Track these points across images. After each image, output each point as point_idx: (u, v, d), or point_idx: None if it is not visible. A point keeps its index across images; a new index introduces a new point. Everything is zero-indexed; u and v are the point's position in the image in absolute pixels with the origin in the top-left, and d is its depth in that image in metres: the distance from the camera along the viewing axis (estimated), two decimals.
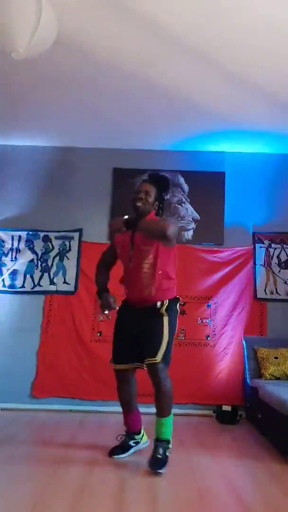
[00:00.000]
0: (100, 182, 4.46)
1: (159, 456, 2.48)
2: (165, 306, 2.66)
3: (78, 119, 3.97)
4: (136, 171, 4.30)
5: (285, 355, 3.79)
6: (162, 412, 2.58)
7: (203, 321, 4.19)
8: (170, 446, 2.56)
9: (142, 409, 2.87)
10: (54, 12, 2.30)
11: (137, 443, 2.78)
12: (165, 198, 2.84)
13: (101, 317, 4.17)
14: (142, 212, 2.69)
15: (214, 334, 4.16)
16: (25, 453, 2.80)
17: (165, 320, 2.64)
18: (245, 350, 3.98)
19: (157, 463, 2.45)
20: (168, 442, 2.56)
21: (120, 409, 3.91)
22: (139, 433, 2.80)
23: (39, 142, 4.47)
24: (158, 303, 2.65)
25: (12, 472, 2.46)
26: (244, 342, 4.03)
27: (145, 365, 2.60)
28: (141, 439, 2.81)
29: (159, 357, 2.54)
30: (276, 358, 3.77)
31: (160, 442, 2.54)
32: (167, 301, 2.67)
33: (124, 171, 4.40)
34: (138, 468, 2.56)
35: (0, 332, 4.18)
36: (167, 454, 2.52)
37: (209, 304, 4.21)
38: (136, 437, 2.79)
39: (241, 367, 4.03)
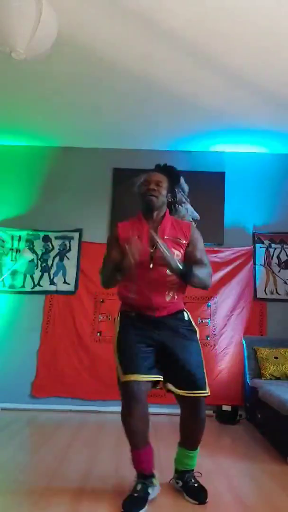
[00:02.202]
0: (100, 182, 4.46)
1: (196, 484, 2.18)
2: (191, 320, 2.26)
3: (78, 119, 3.97)
4: (136, 171, 4.28)
5: (285, 355, 3.79)
6: (196, 445, 2.21)
7: (203, 321, 4.19)
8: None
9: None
10: (54, 12, 2.30)
11: (153, 488, 2.11)
12: (177, 192, 2.39)
13: (101, 317, 4.18)
14: (154, 208, 2.24)
15: (214, 334, 4.16)
16: (25, 453, 2.80)
17: (198, 338, 2.24)
18: (245, 350, 3.98)
19: (200, 491, 2.14)
20: (193, 471, 2.25)
21: (120, 408, 3.92)
22: (154, 475, 2.15)
23: (39, 142, 4.47)
24: (185, 315, 2.24)
25: (12, 471, 2.46)
26: (244, 342, 4.03)
27: (185, 395, 2.11)
28: (157, 483, 2.15)
29: (208, 389, 2.13)
30: (276, 358, 3.77)
31: (189, 472, 2.22)
32: (187, 312, 2.26)
33: (124, 171, 4.40)
34: None
35: (0, 332, 4.18)
36: (199, 481, 2.22)
37: (209, 304, 4.21)
38: (154, 481, 2.13)
39: (241, 367, 4.03)
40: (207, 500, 2.11)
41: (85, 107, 3.73)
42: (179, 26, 2.64)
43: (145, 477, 2.09)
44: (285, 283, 4.26)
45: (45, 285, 4.28)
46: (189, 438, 2.21)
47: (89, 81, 3.31)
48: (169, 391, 2.15)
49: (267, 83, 3.21)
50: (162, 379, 2.12)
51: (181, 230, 2.28)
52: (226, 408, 3.76)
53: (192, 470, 2.24)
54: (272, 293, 4.24)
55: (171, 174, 2.35)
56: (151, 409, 2.13)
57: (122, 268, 2.11)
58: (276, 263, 4.30)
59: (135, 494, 2.04)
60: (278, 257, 4.32)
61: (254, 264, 4.28)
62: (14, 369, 4.07)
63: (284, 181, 4.45)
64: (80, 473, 2.45)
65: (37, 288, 4.28)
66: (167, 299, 2.19)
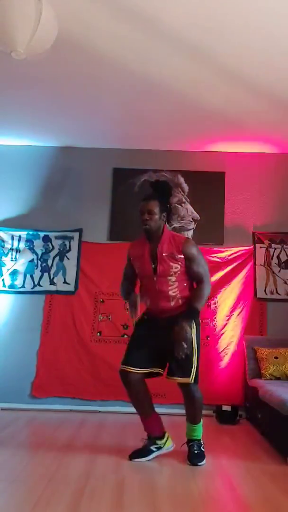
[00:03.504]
0: (100, 182, 4.46)
1: (196, 451, 2.67)
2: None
3: (78, 119, 3.97)
4: (136, 171, 4.31)
5: (285, 355, 3.78)
6: (194, 419, 2.73)
7: (203, 321, 4.17)
8: (203, 443, 2.75)
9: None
10: (55, 11, 2.30)
11: (159, 448, 2.72)
12: (170, 204, 2.81)
13: (101, 317, 4.18)
14: (152, 231, 2.73)
15: (214, 334, 4.15)
16: (25, 453, 2.80)
17: (193, 333, 2.66)
18: (245, 350, 3.98)
19: (195, 457, 2.64)
20: (200, 440, 2.74)
21: (120, 408, 3.94)
22: (161, 438, 2.74)
23: (39, 142, 4.47)
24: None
25: (12, 472, 2.46)
26: (244, 342, 4.03)
27: (176, 382, 2.68)
28: (164, 444, 2.74)
29: (192, 378, 2.63)
30: (276, 358, 3.77)
31: (193, 441, 2.72)
32: None
33: (124, 171, 4.40)
34: (138, 468, 2.57)
35: (0, 332, 4.18)
36: (202, 449, 2.71)
37: (209, 304, 4.20)
38: (159, 442, 2.72)
39: (241, 367, 4.03)
40: (199, 464, 2.61)
41: (85, 107, 3.73)
42: (180, 26, 2.63)
43: (150, 437, 2.71)
44: (285, 283, 4.26)
45: (45, 285, 4.28)
46: (188, 414, 2.74)
47: (89, 81, 3.31)
48: (168, 378, 2.70)
49: (267, 83, 3.21)
50: (150, 372, 2.70)
51: (176, 245, 2.72)
52: (226, 408, 3.76)
53: (197, 440, 2.72)
54: (272, 293, 4.24)
55: (160, 193, 2.78)
56: None
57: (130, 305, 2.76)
58: (276, 263, 4.30)
59: (140, 448, 2.67)
60: (278, 257, 4.31)
61: (254, 264, 4.27)
62: (14, 369, 4.07)
63: (284, 181, 4.45)
64: (80, 473, 2.44)
65: (37, 288, 4.27)
66: (172, 304, 2.71)
